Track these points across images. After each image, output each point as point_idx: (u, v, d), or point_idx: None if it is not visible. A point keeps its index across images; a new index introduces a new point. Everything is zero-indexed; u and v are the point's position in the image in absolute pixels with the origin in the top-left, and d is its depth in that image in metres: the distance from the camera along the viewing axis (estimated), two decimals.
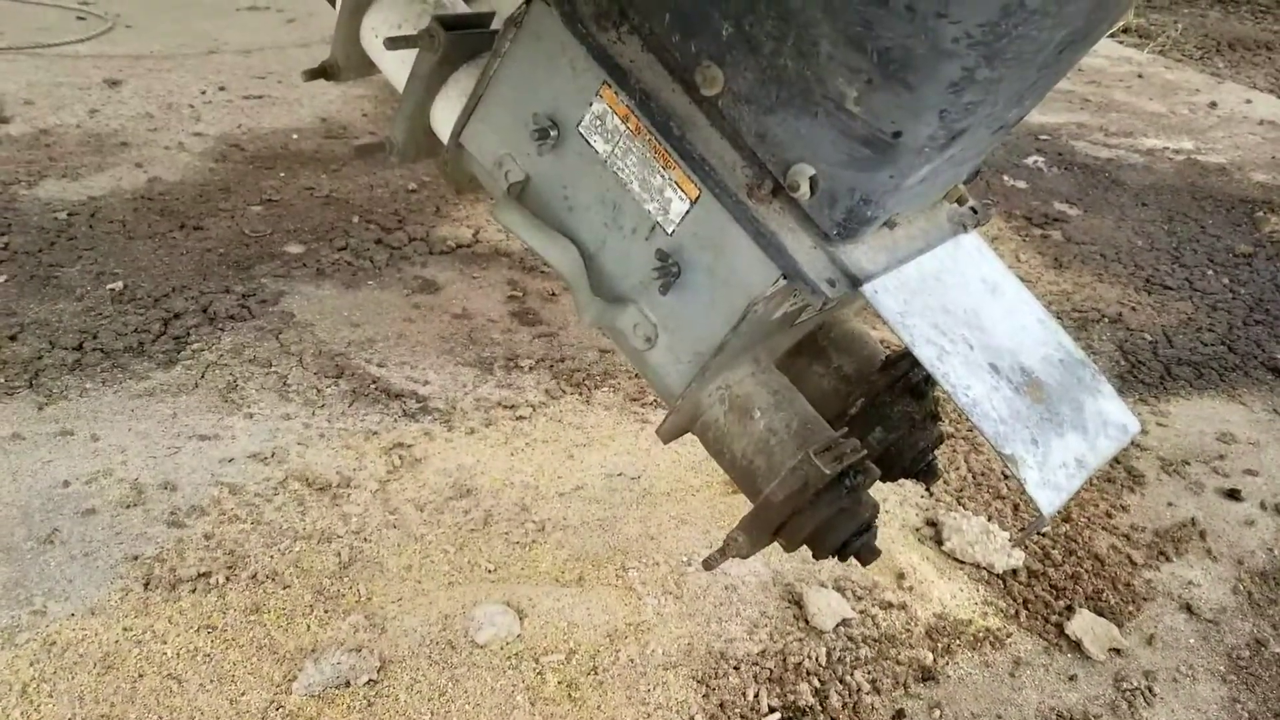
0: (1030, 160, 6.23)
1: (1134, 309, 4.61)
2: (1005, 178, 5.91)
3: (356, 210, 4.55)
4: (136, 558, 2.64)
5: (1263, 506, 3.43)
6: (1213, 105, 7.70)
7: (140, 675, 2.34)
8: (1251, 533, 3.31)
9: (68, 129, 4.98)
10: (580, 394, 3.54)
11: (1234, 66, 8.99)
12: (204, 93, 5.64)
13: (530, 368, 3.63)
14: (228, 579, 2.61)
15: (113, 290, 3.72)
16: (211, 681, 2.35)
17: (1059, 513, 3.13)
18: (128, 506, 2.80)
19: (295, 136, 5.24)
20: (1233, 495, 3.47)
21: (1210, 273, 5.03)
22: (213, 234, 4.21)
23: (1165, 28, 9.67)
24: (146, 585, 2.56)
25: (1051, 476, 1.53)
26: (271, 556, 2.70)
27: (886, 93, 1.29)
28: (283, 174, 4.82)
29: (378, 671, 2.42)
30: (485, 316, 3.92)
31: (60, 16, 6.57)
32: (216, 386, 3.32)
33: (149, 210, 4.32)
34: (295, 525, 2.81)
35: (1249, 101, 7.90)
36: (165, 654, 2.40)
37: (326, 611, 2.57)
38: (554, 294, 4.10)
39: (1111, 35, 9.23)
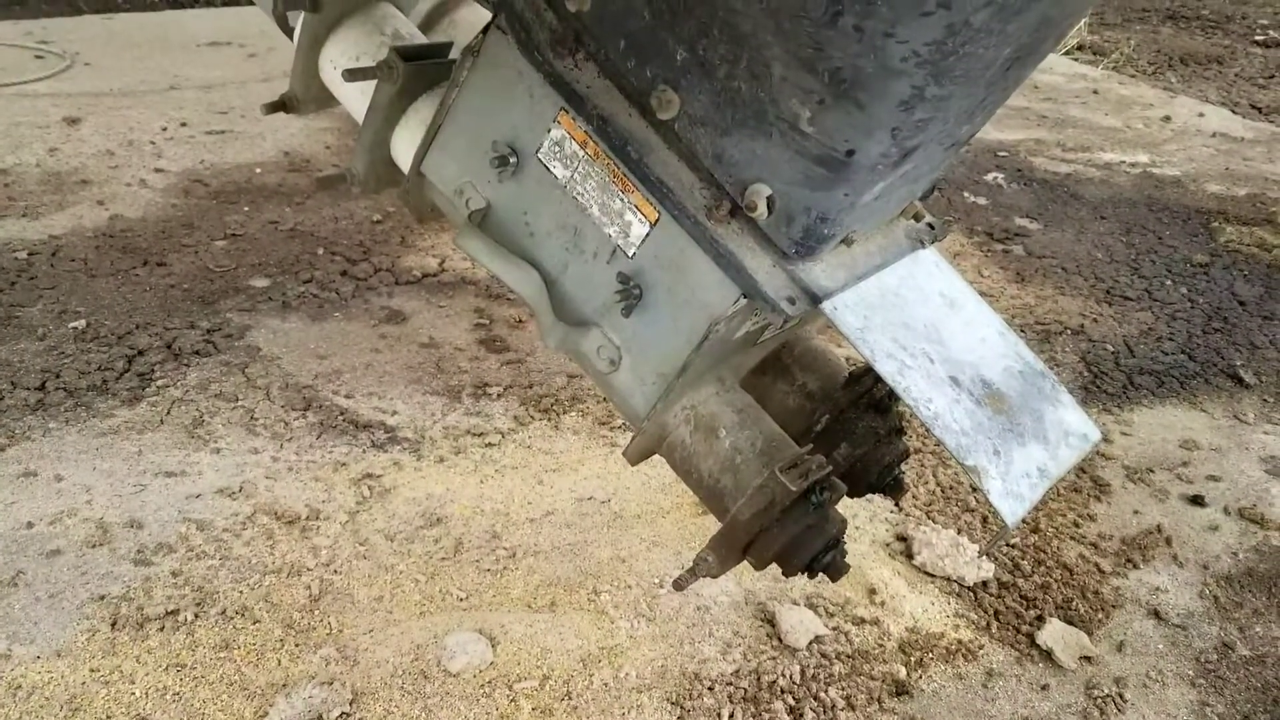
0: (990, 177, 6.30)
1: (1095, 320, 4.66)
2: (966, 194, 5.98)
3: (321, 242, 4.53)
4: (103, 597, 2.61)
5: (1226, 511, 3.48)
6: (1166, 119, 7.83)
7: (108, 717, 2.31)
8: (1216, 538, 3.35)
9: (27, 168, 4.94)
10: (549, 419, 3.54)
11: (1186, 81, 9.15)
12: (165, 129, 5.62)
13: (499, 395, 3.63)
14: (196, 616, 2.58)
15: (75, 329, 3.68)
16: None
17: (1024, 522, 3.16)
18: (93, 546, 2.77)
19: (259, 171, 5.22)
20: (1197, 501, 3.51)
21: (1169, 283, 5.10)
22: (176, 270, 4.18)
23: (1119, 44, 9.83)
24: (114, 625, 2.53)
25: (1014, 486, 1.54)
26: (240, 592, 2.68)
27: (839, 112, 1.31)
28: (246, 208, 4.80)
29: (350, 704, 2.40)
30: (453, 345, 3.91)
31: (17, 56, 6.52)
32: (182, 423, 3.29)
33: (111, 248, 4.29)
34: (264, 559, 2.79)
35: (1201, 115, 8.04)
36: (133, 694, 2.37)
37: (297, 645, 2.55)
38: (521, 321, 4.10)
39: (1066, 53, 9.38)
